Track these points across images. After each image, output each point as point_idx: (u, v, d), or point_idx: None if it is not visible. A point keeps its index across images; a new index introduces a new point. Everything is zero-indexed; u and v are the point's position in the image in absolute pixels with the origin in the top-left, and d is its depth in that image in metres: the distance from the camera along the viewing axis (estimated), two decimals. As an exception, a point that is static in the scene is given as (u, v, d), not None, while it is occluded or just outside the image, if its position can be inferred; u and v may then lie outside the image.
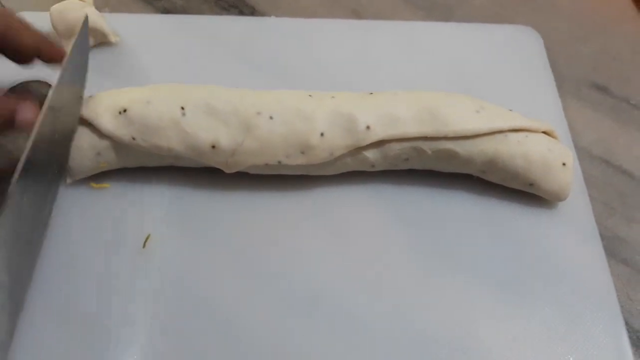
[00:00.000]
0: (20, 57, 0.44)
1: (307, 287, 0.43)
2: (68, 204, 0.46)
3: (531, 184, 0.46)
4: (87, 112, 0.45)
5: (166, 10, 0.63)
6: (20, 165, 0.38)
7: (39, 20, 0.56)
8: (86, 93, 0.48)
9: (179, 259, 0.44)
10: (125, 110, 0.44)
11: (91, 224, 0.45)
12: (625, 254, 0.48)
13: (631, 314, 0.45)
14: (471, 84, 0.54)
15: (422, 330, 0.42)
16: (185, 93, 0.45)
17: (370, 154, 0.45)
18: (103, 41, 0.57)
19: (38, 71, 0.48)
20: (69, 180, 0.47)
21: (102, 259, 0.44)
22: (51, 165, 0.44)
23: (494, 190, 0.48)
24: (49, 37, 0.45)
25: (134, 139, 0.44)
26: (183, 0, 0.64)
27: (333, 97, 0.46)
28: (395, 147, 0.45)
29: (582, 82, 0.59)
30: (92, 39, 0.56)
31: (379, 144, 0.45)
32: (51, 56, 0.44)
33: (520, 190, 0.47)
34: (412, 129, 0.44)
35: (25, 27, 0.43)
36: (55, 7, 0.55)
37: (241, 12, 0.63)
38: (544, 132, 0.47)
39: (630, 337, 0.43)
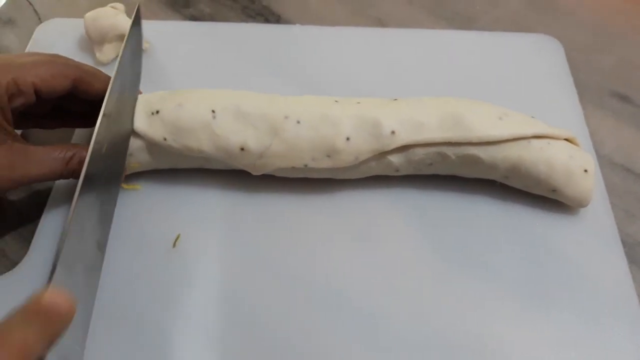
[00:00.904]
0: (91, 105, 0.46)
1: (330, 288, 0.44)
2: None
3: (554, 190, 0.46)
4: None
5: (194, 18, 0.65)
6: (82, 176, 0.39)
7: (73, 28, 0.59)
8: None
9: (206, 259, 0.45)
10: (157, 112, 0.45)
11: (122, 224, 0.47)
12: (646, 260, 0.48)
13: (652, 321, 0.45)
14: (493, 92, 0.54)
15: (442, 333, 0.42)
16: (215, 97, 0.46)
17: (394, 159, 0.46)
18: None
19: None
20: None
21: (133, 258, 0.45)
22: (111, 171, 0.45)
23: (516, 196, 0.49)
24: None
25: (165, 139, 0.45)
26: (210, 8, 0.65)
27: (358, 102, 0.47)
28: (420, 152, 0.46)
29: (603, 91, 0.59)
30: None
31: (404, 148, 0.45)
32: None
33: (542, 196, 0.48)
34: (436, 134, 0.45)
35: (96, 73, 0.46)
36: (89, 15, 0.57)
37: (267, 20, 0.64)
38: (566, 140, 0.47)
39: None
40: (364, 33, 0.62)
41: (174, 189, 0.49)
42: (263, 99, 0.47)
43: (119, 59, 0.45)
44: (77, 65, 0.45)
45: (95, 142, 0.41)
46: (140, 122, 0.46)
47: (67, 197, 0.48)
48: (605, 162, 0.53)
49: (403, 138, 0.45)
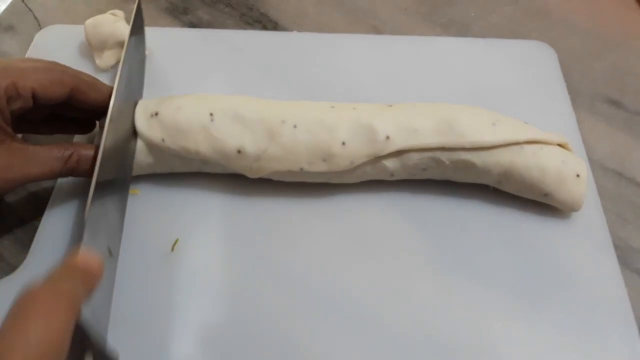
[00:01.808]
0: (88, 113, 0.47)
1: (325, 291, 0.44)
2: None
3: (546, 195, 0.47)
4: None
5: (192, 25, 0.65)
6: (93, 185, 0.40)
7: (73, 34, 0.60)
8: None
9: (204, 263, 0.46)
10: (156, 114, 0.46)
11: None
12: (639, 264, 0.48)
13: (645, 324, 0.45)
14: (487, 97, 0.56)
15: (437, 335, 0.42)
16: (214, 101, 0.47)
17: (389, 163, 0.47)
18: None
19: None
20: None
21: (131, 262, 0.45)
22: (119, 176, 0.46)
23: (509, 200, 0.49)
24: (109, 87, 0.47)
25: (163, 140, 0.46)
26: (209, 15, 0.66)
27: (354, 108, 0.47)
28: (414, 157, 0.46)
29: (595, 97, 0.60)
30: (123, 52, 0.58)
31: (398, 153, 0.46)
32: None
33: (535, 200, 0.48)
34: (430, 139, 0.45)
35: (94, 83, 0.46)
36: (89, 22, 0.57)
37: (264, 27, 0.65)
38: (559, 145, 0.48)
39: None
40: (360, 40, 0.62)
41: (172, 194, 0.49)
42: (261, 103, 0.48)
43: (121, 62, 0.46)
44: (76, 74, 0.46)
45: (102, 146, 0.42)
46: (140, 124, 0.46)
47: (67, 201, 0.49)
48: (598, 166, 0.54)
49: (397, 143, 0.45)
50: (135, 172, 0.49)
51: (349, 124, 0.46)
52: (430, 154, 0.46)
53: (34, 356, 0.26)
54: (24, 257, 0.46)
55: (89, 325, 0.30)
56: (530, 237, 0.48)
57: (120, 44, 0.58)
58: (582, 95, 0.59)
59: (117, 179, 0.46)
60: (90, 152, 0.45)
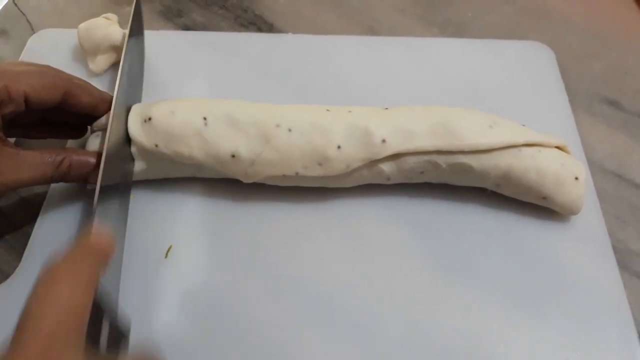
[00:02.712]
0: (80, 118, 0.47)
1: (323, 296, 0.44)
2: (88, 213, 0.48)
3: (544, 198, 0.46)
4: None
5: (186, 27, 0.65)
6: (98, 183, 0.40)
7: (66, 38, 0.60)
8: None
9: (198, 267, 0.45)
10: (150, 119, 0.46)
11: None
12: (638, 267, 0.48)
13: (644, 327, 0.45)
14: (484, 99, 0.55)
15: (435, 340, 0.42)
16: (207, 105, 0.47)
17: (385, 167, 0.46)
18: None
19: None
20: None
21: (125, 266, 0.45)
22: (120, 182, 0.46)
23: (507, 204, 0.49)
24: (106, 96, 0.48)
25: (157, 146, 0.45)
26: (203, 17, 0.66)
27: (350, 111, 0.47)
28: (411, 161, 0.46)
29: (594, 97, 0.59)
30: (116, 56, 0.58)
31: (395, 157, 0.46)
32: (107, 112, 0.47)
33: (533, 204, 0.48)
34: (426, 142, 0.45)
35: (86, 87, 0.46)
36: (82, 26, 0.57)
37: (259, 29, 0.65)
38: (557, 147, 0.47)
39: (643, 351, 0.43)
40: (356, 41, 0.62)
41: (166, 199, 0.49)
42: (255, 107, 0.47)
43: (121, 63, 0.46)
44: (68, 78, 0.45)
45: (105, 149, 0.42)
46: (134, 129, 0.46)
47: (60, 207, 0.48)
48: (597, 168, 0.53)
49: (394, 146, 0.45)
50: (120, 180, 0.48)
51: (345, 128, 0.45)
52: (426, 157, 0.46)
53: (62, 314, 0.28)
54: (17, 264, 0.45)
55: (105, 296, 0.33)
56: (529, 241, 0.47)
57: (114, 48, 0.57)
58: (580, 96, 0.59)
59: (118, 184, 0.46)
60: (83, 158, 0.44)
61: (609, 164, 0.54)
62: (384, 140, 0.45)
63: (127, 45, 0.49)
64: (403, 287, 0.45)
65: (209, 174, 0.48)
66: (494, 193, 0.49)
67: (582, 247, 0.47)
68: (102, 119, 0.47)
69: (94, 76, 0.57)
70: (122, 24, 0.59)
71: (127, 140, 0.47)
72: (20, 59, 0.59)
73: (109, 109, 0.46)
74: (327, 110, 0.47)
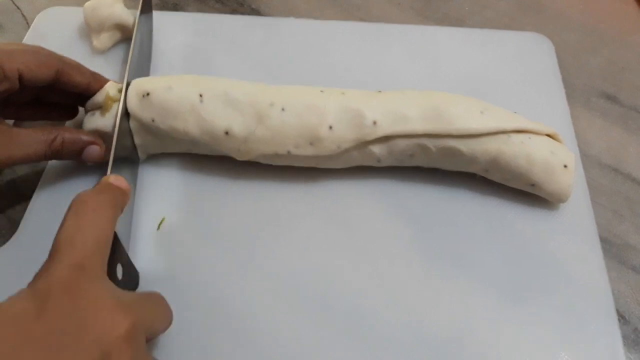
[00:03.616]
0: (71, 98, 0.48)
1: (310, 277, 0.44)
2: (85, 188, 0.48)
3: (533, 185, 0.46)
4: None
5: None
6: (110, 161, 0.42)
7: (72, 16, 0.61)
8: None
9: (188, 244, 0.46)
10: (148, 94, 0.46)
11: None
12: (635, 260, 0.48)
13: (640, 319, 0.44)
14: (480, 89, 0.55)
15: (421, 326, 0.42)
16: (204, 82, 0.47)
17: (376, 149, 0.46)
18: (130, 37, 0.58)
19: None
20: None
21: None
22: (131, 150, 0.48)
23: (496, 190, 0.49)
24: (97, 75, 0.49)
25: (153, 120, 0.46)
26: (199, 10, 0.65)
27: (343, 93, 0.47)
28: (401, 143, 0.46)
29: (591, 92, 0.59)
30: (120, 34, 0.59)
31: (385, 139, 0.46)
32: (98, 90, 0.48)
33: (523, 191, 0.48)
34: (417, 126, 0.45)
35: (77, 66, 0.47)
36: (89, 4, 0.58)
37: (256, 22, 0.64)
38: (549, 135, 0.47)
39: (639, 343, 0.43)
40: (353, 27, 0.62)
41: (161, 173, 0.50)
42: (250, 86, 0.48)
43: (133, 39, 0.48)
44: (60, 58, 0.46)
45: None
46: (132, 104, 0.46)
47: (57, 183, 0.49)
48: (594, 162, 0.53)
49: (385, 128, 0.45)
50: (124, 153, 0.48)
51: (337, 109, 0.46)
52: (417, 141, 0.46)
53: (93, 236, 0.33)
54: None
55: (120, 237, 0.37)
56: (517, 228, 0.47)
57: (118, 26, 0.58)
58: (577, 91, 0.59)
59: (127, 157, 0.47)
60: (75, 136, 0.46)
61: (605, 158, 0.54)
62: (375, 122, 0.45)
63: (138, 22, 0.50)
64: (390, 272, 0.45)
65: (203, 150, 0.49)
66: (483, 179, 0.49)
67: (569, 235, 0.47)
68: (96, 97, 0.48)
69: (99, 54, 0.58)
70: (126, 4, 0.59)
71: (128, 115, 0.47)
72: (26, 37, 0.60)
73: (101, 87, 0.48)
74: (321, 91, 0.48)
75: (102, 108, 0.47)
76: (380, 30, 0.62)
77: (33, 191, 0.48)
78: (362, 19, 0.65)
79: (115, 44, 0.59)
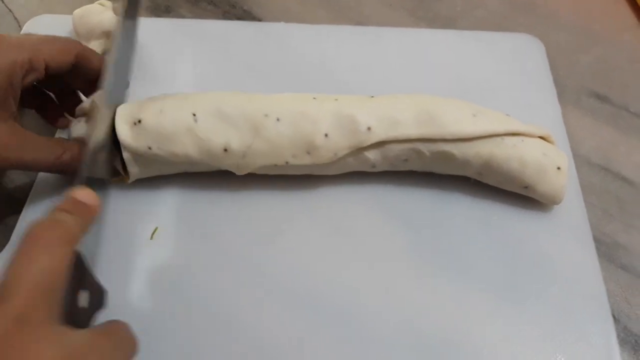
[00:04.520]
0: (89, 81, 0.48)
1: (305, 283, 0.44)
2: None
3: (526, 187, 0.47)
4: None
5: (173, 22, 0.64)
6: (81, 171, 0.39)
7: (61, 24, 0.60)
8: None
9: (185, 254, 0.46)
10: (140, 121, 0.45)
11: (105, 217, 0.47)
12: (625, 259, 0.48)
13: (630, 318, 0.45)
14: (473, 91, 0.55)
15: (416, 328, 0.43)
16: (195, 100, 0.46)
17: (371, 155, 0.46)
18: None
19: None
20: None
21: (111, 251, 0.45)
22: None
23: (490, 193, 0.49)
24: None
25: (150, 148, 0.45)
26: (191, 13, 0.65)
27: (336, 99, 0.47)
28: (395, 148, 0.46)
29: (582, 91, 0.59)
30: (109, 42, 0.58)
31: (380, 144, 0.46)
32: None
33: (517, 193, 0.48)
34: (411, 130, 0.45)
35: (94, 53, 0.49)
36: (77, 12, 0.58)
37: (247, 25, 0.65)
38: (541, 138, 0.47)
39: (629, 342, 0.44)
40: (345, 31, 0.62)
41: (155, 187, 0.49)
42: (242, 97, 0.47)
43: (113, 43, 0.47)
44: (78, 42, 0.48)
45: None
46: (124, 134, 0.45)
47: (49, 192, 0.49)
48: (584, 161, 0.54)
49: (379, 134, 0.45)
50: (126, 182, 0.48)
51: (331, 116, 0.46)
52: (410, 145, 0.46)
53: (39, 282, 0.30)
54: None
55: (85, 259, 0.35)
56: (511, 230, 0.48)
57: (107, 34, 0.58)
58: (568, 90, 0.59)
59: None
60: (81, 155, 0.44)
61: (595, 157, 0.54)
62: (369, 128, 0.45)
63: (118, 29, 0.48)
64: (386, 276, 0.45)
65: (201, 169, 0.48)
66: (477, 182, 0.49)
67: (563, 236, 0.47)
68: (84, 104, 0.47)
69: None
70: (115, 11, 0.59)
71: (112, 131, 0.46)
72: None
73: None
74: (314, 98, 0.47)
75: (87, 116, 0.47)
76: (371, 34, 0.62)
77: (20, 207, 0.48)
78: (353, 20, 0.65)
79: (105, 52, 0.57)
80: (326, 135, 0.45)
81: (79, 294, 0.34)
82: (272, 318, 0.43)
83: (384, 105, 0.46)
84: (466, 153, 0.46)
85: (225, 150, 0.45)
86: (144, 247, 0.46)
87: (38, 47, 0.44)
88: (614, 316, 0.44)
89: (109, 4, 0.60)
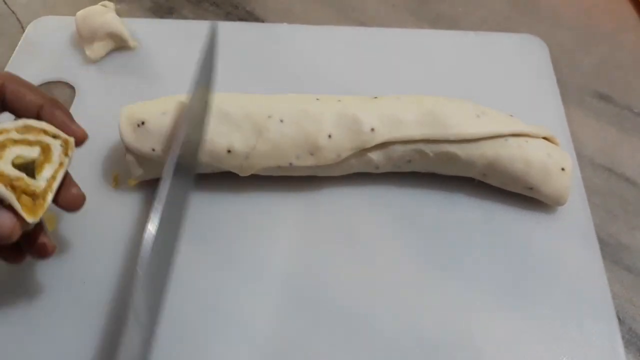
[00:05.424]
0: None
1: (310, 284, 0.44)
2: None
3: (530, 188, 0.47)
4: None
5: (175, 23, 0.65)
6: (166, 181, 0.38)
7: (64, 25, 0.60)
8: (110, 100, 0.50)
9: (187, 255, 0.45)
10: (143, 123, 0.45)
11: (111, 223, 0.48)
12: (628, 260, 0.48)
13: (634, 319, 0.45)
14: (476, 91, 0.55)
15: (419, 329, 0.42)
16: None
17: (374, 156, 0.46)
18: (122, 45, 0.59)
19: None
20: None
21: (116, 249, 0.46)
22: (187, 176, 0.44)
23: (494, 194, 0.49)
24: (54, 100, 0.41)
25: (154, 150, 0.45)
26: (194, 14, 0.65)
27: (339, 100, 0.47)
28: (399, 149, 0.46)
29: (585, 91, 0.59)
30: (113, 43, 0.59)
31: (383, 145, 0.46)
32: (52, 114, 0.40)
33: (520, 194, 0.48)
34: (414, 131, 0.45)
35: (30, 86, 0.41)
36: (80, 13, 0.58)
37: (249, 27, 0.64)
38: (545, 138, 0.47)
39: (634, 343, 0.44)
40: (348, 32, 0.62)
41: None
42: (245, 98, 0.47)
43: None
44: (6, 74, 0.41)
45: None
46: (128, 136, 0.45)
47: None
48: (587, 162, 0.54)
49: (383, 135, 0.45)
50: (131, 184, 0.49)
51: (335, 116, 0.46)
52: (414, 146, 0.46)
53: None
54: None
55: None
56: (515, 231, 0.48)
57: (110, 35, 0.58)
58: (571, 90, 0.59)
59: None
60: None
61: (599, 157, 0.54)
62: (373, 129, 0.45)
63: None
64: (389, 277, 0.45)
65: (204, 170, 0.48)
66: (481, 183, 0.49)
67: (567, 238, 0.47)
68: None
69: (91, 63, 0.58)
70: (118, 12, 0.59)
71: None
72: (18, 45, 0.60)
73: (55, 106, 0.40)
74: (317, 99, 0.47)
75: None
76: (374, 35, 0.62)
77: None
78: (356, 20, 0.65)
79: (108, 53, 0.59)
80: (330, 136, 0.45)
81: None
82: (275, 319, 0.43)
83: (387, 106, 0.46)
84: (470, 154, 0.46)
85: (229, 151, 0.45)
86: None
87: None
88: (618, 318, 0.44)
89: (112, 5, 0.60)
